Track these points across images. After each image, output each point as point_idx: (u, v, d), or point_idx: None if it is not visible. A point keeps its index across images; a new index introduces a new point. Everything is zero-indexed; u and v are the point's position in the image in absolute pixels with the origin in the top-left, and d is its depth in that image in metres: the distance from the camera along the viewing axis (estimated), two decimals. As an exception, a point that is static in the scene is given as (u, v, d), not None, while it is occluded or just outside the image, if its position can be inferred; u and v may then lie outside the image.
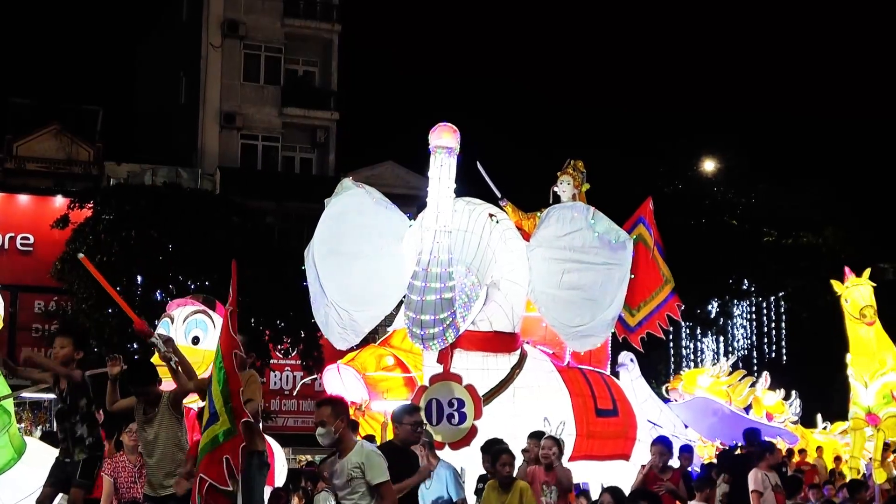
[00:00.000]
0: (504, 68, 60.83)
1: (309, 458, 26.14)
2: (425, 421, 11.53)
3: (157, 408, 8.38)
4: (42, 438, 12.89)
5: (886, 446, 18.75)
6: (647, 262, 15.47)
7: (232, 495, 7.92)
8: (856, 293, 18.94)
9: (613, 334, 14.54)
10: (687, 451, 14.30)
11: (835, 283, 19.38)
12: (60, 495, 8.69)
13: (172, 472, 8.31)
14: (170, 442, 8.37)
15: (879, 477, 17.85)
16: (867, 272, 19.30)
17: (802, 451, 18.98)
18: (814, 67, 62.38)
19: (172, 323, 11.39)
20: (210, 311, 11.70)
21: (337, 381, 13.48)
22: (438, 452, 10.77)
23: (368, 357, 13.55)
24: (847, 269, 19.52)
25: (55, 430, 8.95)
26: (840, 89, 56.15)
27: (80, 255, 10.14)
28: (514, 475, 9.93)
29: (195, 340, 11.30)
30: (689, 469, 14.01)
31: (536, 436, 11.25)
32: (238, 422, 7.85)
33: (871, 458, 18.75)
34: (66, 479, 8.35)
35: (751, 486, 12.56)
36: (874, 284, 19.18)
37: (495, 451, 9.99)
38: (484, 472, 10.67)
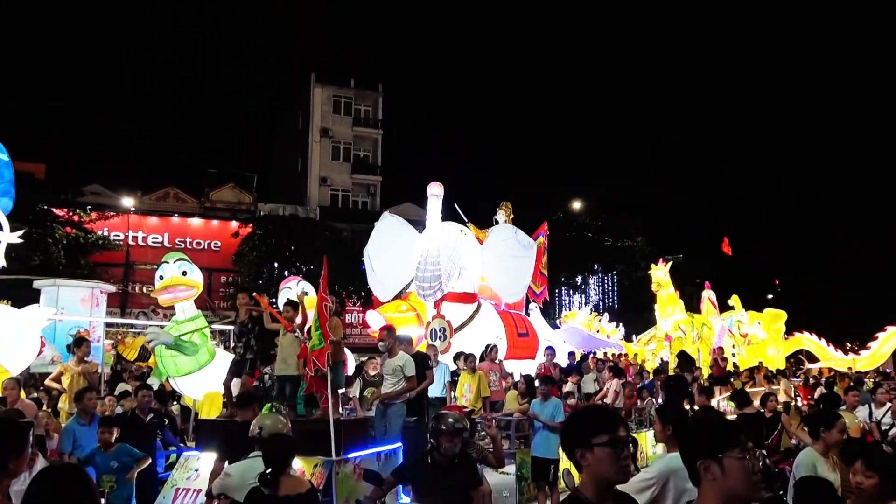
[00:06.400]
0: (475, 126, 59.57)
1: (366, 358, 25.99)
2: (429, 340, 11.56)
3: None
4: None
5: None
6: (540, 259, 15.41)
7: (325, 377, 7.80)
8: (655, 274, 19.49)
9: (527, 294, 14.59)
10: (550, 350, 13.45)
11: (653, 267, 19.83)
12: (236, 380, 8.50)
13: (289, 362, 7.75)
14: (292, 347, 8.07)
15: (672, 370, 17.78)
16: (661, 262, 19.76)
17: (625, 355, 18.97)
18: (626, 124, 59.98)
19: (291, 290, 11.22)
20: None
21: (372, 318, 13.40)
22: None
23: (390, 306, 13.38)
24: (661, 260, 19.90)
25: (235, 344, 8.58)
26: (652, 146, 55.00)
27: (255, 295, 8.31)
28: (475, 368, 9.93)
29: (306, 294, 11.15)
30: (555, 361, 13.36)
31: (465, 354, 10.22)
32: (326, 340, 7.71)
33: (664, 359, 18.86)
34: (238, 371, 8.14)
35: (612, 393, 11.06)
36: (666, 269, 19.59)
37: (465, 354, 9.99)
38: (456, 368, 10.52)
